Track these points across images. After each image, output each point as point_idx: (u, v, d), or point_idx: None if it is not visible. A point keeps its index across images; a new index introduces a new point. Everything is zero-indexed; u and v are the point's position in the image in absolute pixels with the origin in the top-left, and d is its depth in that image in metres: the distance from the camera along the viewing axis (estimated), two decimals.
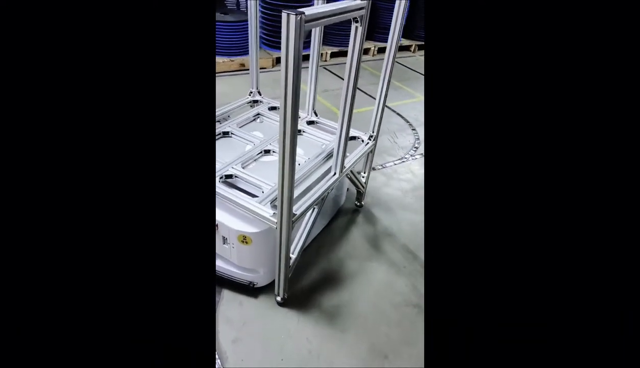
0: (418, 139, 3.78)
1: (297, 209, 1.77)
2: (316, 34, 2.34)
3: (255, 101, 2.80)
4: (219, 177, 1.97)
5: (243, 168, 2.07)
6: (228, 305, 1.96)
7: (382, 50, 6.09)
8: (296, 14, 1.16)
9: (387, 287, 2.17)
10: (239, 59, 4.76)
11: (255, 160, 2.19)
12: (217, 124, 2.49)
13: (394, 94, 4.72)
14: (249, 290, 2.01)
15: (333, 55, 5.57)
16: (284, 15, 1.17)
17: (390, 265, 2.31)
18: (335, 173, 2.09)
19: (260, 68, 4.98)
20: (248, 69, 4.79)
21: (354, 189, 2.71)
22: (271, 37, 5.18)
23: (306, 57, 6.76)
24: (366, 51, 5.89)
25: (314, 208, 2.00)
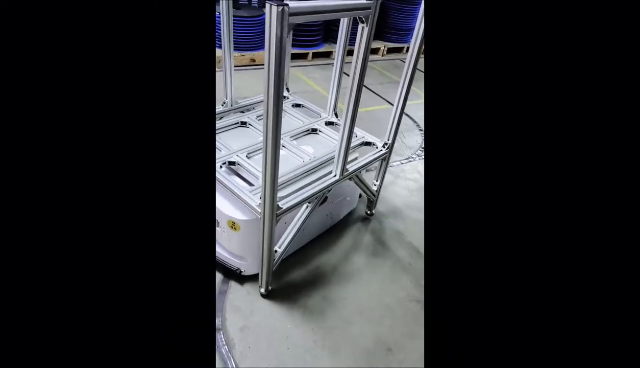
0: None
1: (285, 203, 1.78)
2: (342, 35, 2.30)
3: (283, 97, 2.83)
4: (222, 163, 2.02)
5: (248, 157, 2.10)
6: (236, 294, 2.00)
7: (391, 50, 6.11)
8: (278, 5, 1.13)
9: (393, 282, 2.21)
10: (249, 55, 4.79)
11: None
12: (239, 114, 2.55)
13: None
14: (236, 276, 2.06)
15: (349, 53, 5.60)
16: (267, 5, 1.15)
17: (396, 261, 2.35)
18: (335, 175, 2.03)
19: None
20: (259, 65, 4.84)
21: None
22: None
23: (323, 55, 6.75)
24: (375, 51, 5.91)
25: (307, 205, 1.98)
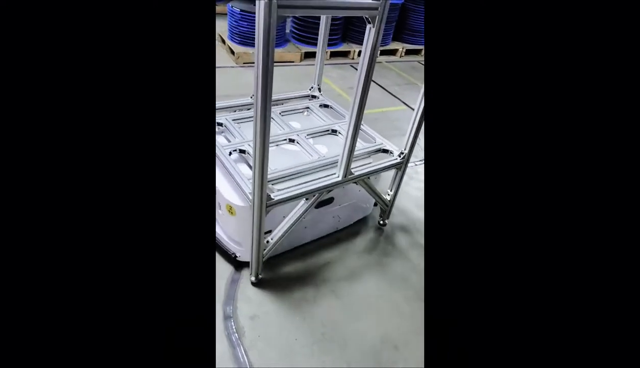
0: None
1: (278, 195, 1.80)
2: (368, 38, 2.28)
3: (314, 96, 2.87)
4: (233, 149, 2.10)
5: None
6: (247, 284, 2.05)
7: (410, 52, 6.10)
8: None
9: (402, 281, 2.23)
10: None
11: (277, 145, 2.27)
12: None
13: (416, 95, 4.75)
14: (232, 260, 2.13)
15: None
16: None
17: (405, 261, 2.37)
18: (338, 176, 2.00)
19: (288, 62, 5.09)
20: (278, 62, 4.90)
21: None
22: (301, 32, 5.26)
23: (341, 54, 6.75)
24: (393, 52, 5.91)
25: (305, 201, 1.97)
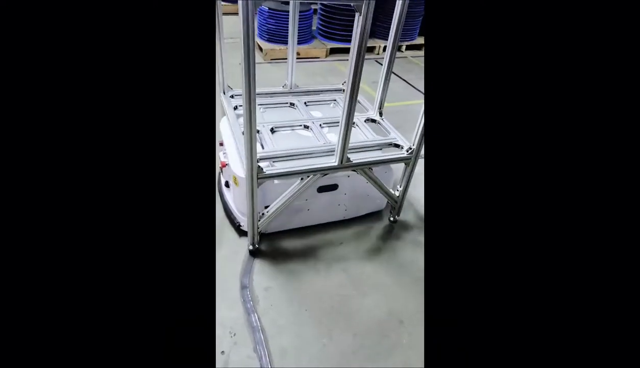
0: None
1: (271, 170, 1.94)
2: (392, 33, 2.30)
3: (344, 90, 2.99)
4: None
5: (272, 132, 2.33)
6: (265, 258, 2.21)
7: None
8: None
9: (411, 263, 2.31)
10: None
11: (292, 129, 2.42)
12: (292, 97, 2.81)
13: None
14: (237, 229, 2.36)
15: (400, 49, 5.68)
16: None
17: (416, 245, 2.45)
18: (334, 162, 2.04)
19: (314, 57, 5.24)
20: (304, 58, 5.06)
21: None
22: (327, 28, 5.40)
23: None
24: (419, 47, 5.92)
25: (301, 179, 2.06)
